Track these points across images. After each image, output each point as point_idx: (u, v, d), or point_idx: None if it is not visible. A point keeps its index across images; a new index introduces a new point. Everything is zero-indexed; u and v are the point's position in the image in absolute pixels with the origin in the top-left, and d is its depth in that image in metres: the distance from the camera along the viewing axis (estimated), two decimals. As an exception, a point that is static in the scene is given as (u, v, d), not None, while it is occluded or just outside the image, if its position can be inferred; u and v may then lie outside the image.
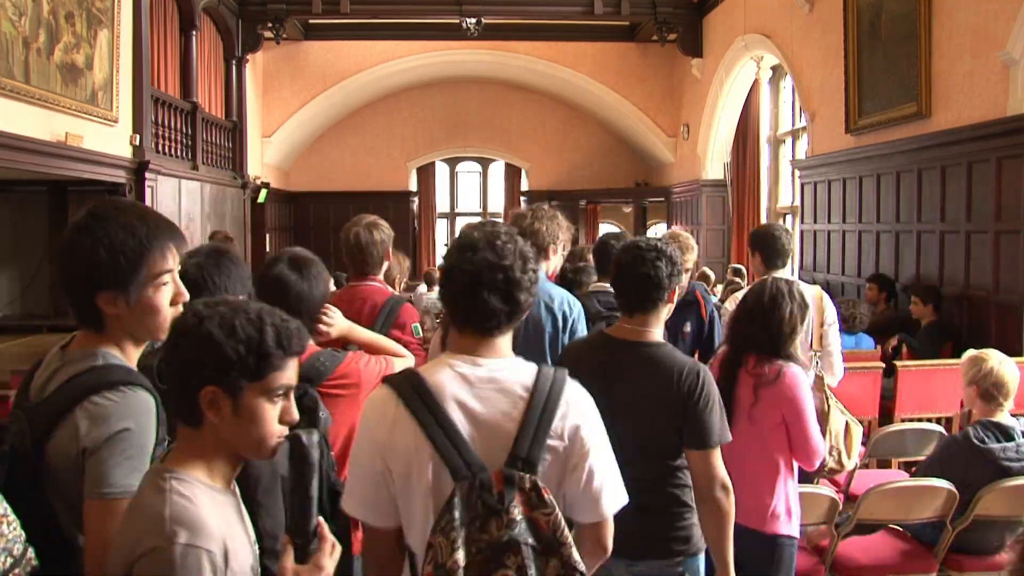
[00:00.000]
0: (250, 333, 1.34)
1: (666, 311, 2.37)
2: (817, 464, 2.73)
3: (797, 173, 8.95)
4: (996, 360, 3.20)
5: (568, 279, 4.18)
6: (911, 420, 4.38)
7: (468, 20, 10.89)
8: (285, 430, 1.40)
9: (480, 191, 15.85)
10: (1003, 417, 3.19)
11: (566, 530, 1.51)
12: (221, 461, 1.39)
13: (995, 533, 3.17)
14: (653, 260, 2.29)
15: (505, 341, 1.68)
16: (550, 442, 1.57)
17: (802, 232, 8.54)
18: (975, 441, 3.14)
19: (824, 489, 3.09)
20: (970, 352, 3.32)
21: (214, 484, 1.37)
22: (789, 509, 2.66)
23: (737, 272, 8.37)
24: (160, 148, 8.29)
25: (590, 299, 3.66)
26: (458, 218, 15.74)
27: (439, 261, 14.48)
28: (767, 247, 3.79)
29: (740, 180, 10.69)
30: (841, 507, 3.12)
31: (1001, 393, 3.15)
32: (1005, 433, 3.16)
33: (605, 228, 15.24)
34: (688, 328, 4.03)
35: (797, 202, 8.94)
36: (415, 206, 14.91)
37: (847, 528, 3.14)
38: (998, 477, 3.07)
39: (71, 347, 1.62)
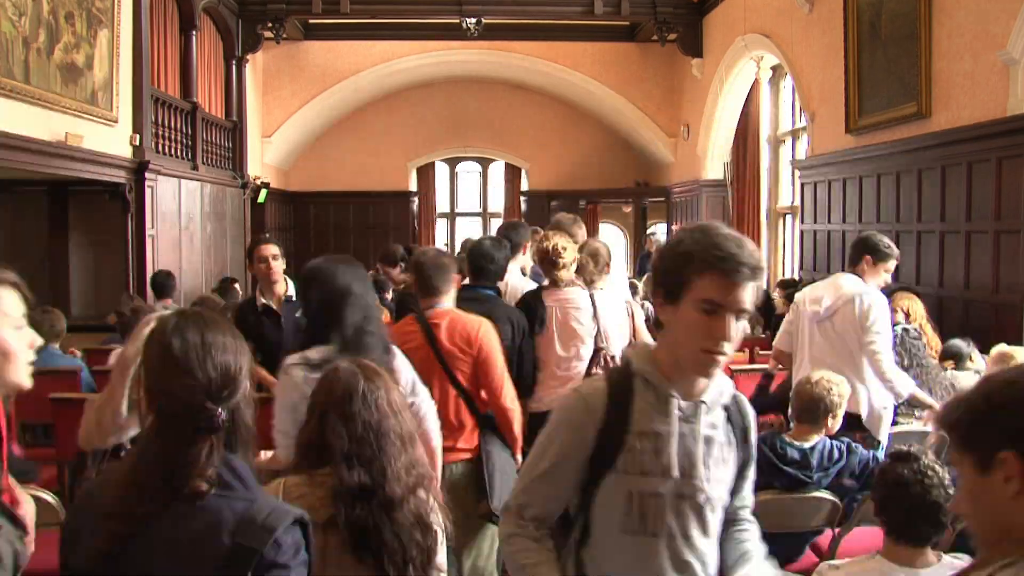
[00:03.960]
0: None
1: None
2: None
3: (797, 173, 8.95)
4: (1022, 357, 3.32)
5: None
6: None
7: (468, 20, 10.89)
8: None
9: (480, 191, 15.85)
10: None
11: None
12: None
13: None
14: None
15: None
16: None
17: (802, 232, 8.54)
18: None
19: (824, 493, 3.09)
20: (1000, 348, 3.43)
21: None
22: None
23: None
24: (160, 148, 8.29)
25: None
26: (458, 218, 15.74)
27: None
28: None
29: (740, 180, 10.69)
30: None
31: None
32: None
33: (605, 228, 15.24)
34: None
35: (797, 202, 8.94)
36: (415, 206, 14.91)
37: (848, 529, 3.14)
38: None
39: None
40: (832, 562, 2.42)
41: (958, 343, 4.63)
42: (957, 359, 4.50)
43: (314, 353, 2.45)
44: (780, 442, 3.07)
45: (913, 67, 6.14)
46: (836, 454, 3.08)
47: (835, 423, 3.14)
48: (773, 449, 3.05)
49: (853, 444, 3.16)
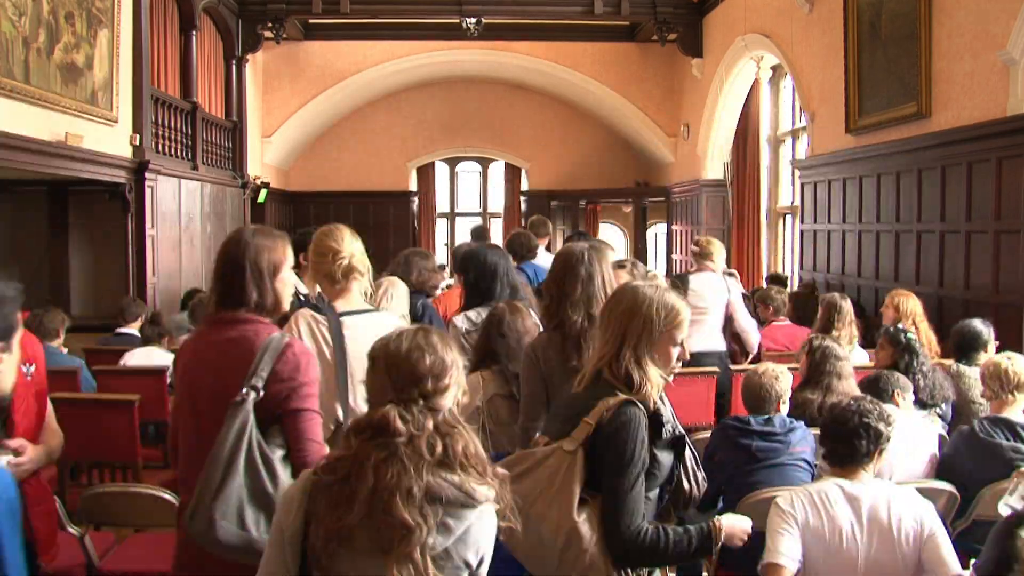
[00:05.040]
0: None
1: None
2: None
3: (797, 173, 8.95)
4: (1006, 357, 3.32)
5: None
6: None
7: (468, 20, 10.88)
8: None
9: (480, 191, 15.85)
10: (1013, 413, 3.19)
11: None
12: None
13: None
14: None
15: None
16: None
17: (802, 232, 8.54)
18: (981, 435, 3.13)
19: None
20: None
21: None
22: None
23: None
24: (160, 148, 8.29)
25: None
26: (458, 218, 15.74)
27: (439, 262, 14.49)
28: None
29: (740, 180, 10.69)
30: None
31: (1006, 387, 3.21)
32: (1013, 429, 3.14)
33: (605, 228, 15.25)
34: None
35: (797, 202, 8.94)
36: (415, 206, 14.91)
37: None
38: (1007, 474, 3.03)
39: None
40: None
41: (977, 325, 4.20)
42: (971, 346, 4.17)
43: (473, 313, 3.60)
44: (737, 418, 3.24)
45: (913, 67, 6.13)
46: (790, 422, 3.20)
47: (785, 408, 3.27)
48: (737, 419, 3.20)
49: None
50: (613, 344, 2.11)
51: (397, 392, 1.62)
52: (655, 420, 2.05)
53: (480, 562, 1.66)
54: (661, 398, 2.13)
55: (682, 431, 2.14)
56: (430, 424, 1.60)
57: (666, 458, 2.09)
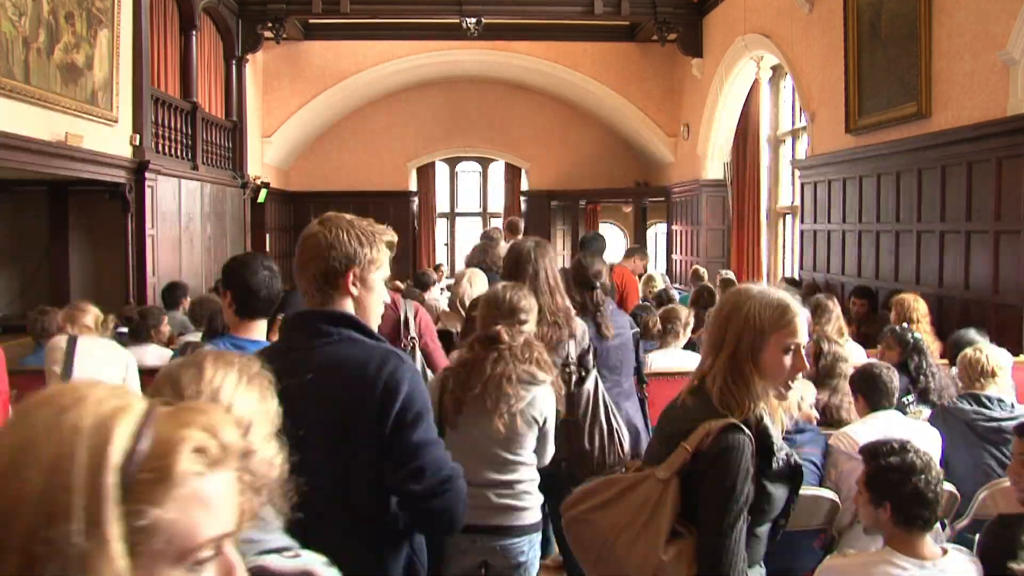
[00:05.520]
0: None
1: None
2: None
3: (797, 173, 8.96)
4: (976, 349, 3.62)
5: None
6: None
7: (468, 20, 10.89)
8: None
9: (480, 191, 15.86)
10: (990, 391, 3.44)
11: None
12: None
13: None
14: None
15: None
16: None
17: (802, 232, 8.54)
18: (947, 406, 3.45)
19: (825, 492, 3.09)
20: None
21: None
22: None
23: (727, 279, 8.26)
24: (160, 148, 8.29)
25: None
26: (458, 218, 15.74)
27: (438, 261, 14.50)
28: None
29: (740, 180, 10.69)
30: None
31: (980, 374, 3.48)
32: (977, 400, 3.42)
33: (605, 228, 15.24)
34: None
35: (797, 202, 8.94)
36: (415, 206, 14.91)
37: (849, 529, 3.14)
38: (970, 435, 3.33)
39: None
40: (840, 551, 2.46)
41: (971, 334, 4.35)
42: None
43: None
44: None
45: (913, 67, 6.14)
46: (800, 422, 3.19)
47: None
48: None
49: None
50: (712, 353, 1.84)
51: (503, 319, 2.59)
52: (764, 447, 1.77)
53: (544, 421, 2.61)
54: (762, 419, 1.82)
55: (798, 459, 1.86)
56: (521, 339, 2.58)
57: (778, 491, 1.81)
